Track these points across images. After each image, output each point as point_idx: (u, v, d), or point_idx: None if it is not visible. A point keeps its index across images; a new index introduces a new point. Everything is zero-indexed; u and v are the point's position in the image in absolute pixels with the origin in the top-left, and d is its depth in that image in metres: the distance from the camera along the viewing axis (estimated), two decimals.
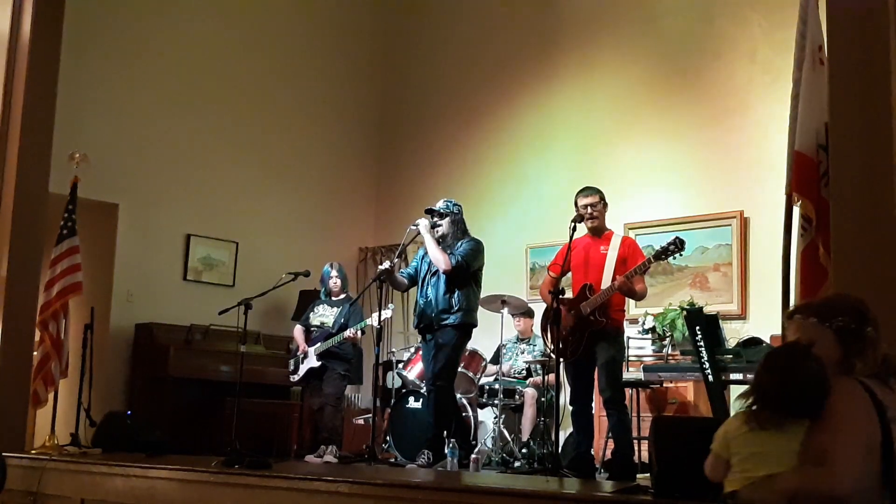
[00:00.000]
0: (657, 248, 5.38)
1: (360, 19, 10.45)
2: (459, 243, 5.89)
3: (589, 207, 5.46)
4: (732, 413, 2.71)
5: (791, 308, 2.70)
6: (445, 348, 5.81)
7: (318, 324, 6.77)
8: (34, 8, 6.48)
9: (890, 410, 2.38)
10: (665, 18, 8.24)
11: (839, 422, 2.40)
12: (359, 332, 6.51)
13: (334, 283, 6.83)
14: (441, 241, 5.95)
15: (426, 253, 5.99)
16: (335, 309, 6.77)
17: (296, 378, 6.80)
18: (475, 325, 5.96)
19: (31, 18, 6.47)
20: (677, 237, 5.26)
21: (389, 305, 6.19)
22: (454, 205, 6.03)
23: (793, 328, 2.62)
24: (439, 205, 6.03)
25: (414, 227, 5.96)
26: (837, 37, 3.57)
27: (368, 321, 6.39)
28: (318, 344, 6.61)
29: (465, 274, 5.83)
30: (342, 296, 6.86)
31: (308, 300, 7.83)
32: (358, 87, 10.33)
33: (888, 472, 2.35)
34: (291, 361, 6.89)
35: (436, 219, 5.97)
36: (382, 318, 6.16)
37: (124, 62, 8.46)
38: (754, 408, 2.55)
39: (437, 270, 5.87)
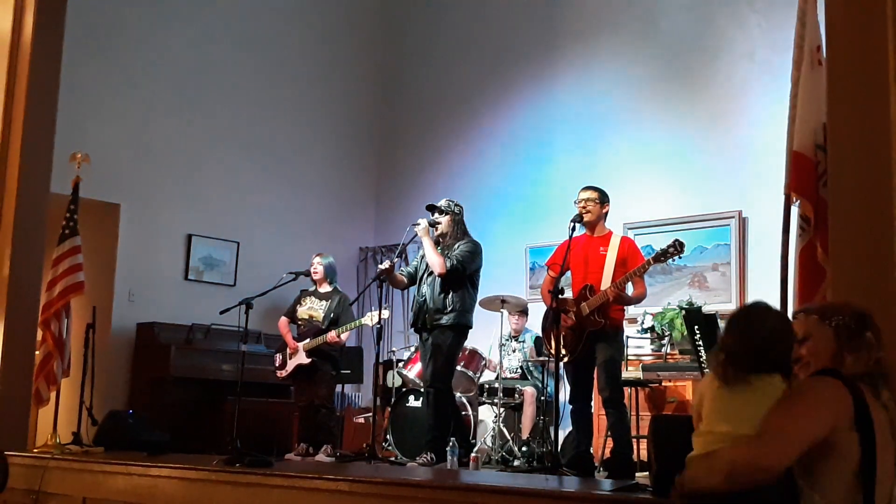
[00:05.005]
0: (657, 249, 5.40)
1: (359, 21, 10.47)
2: (457, 245, 5.91)
3: (583, 202, 5.49)
4: None
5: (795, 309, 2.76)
6: (441, 350, 5.82)
7: (307, 317, 6.69)
8: (36, 9, 6.49)
9: (872, 410, 2.40)
10: (665, 18, 8.26)
11: (794, 401, 2.45)
12: (344, 334, 6.49)
13: (314, 269, 6.73)
14: (440, 239, 5.97)
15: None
16: (323, 302, 6.67)
17: (283, 374, 6.71)
18: (470, 327, 5.97)
19: (32, 19, 6.48)
20: (677, 240, 5.27)
21: (384, 305, 6.18)
22: (455, 205, 6.06)
23: (796, 325, 2.67)
24: (441, 203, 6.05)
25: (413, 227, 5.98)
26: (836, 37, 3.58)
27: (364, 320, 6.39)
28: (308, 340, 6.55)
29: (461, 276, 5.85)
30: (329, 288, 6.75)
31: None
32: (358, 88, 10.35)
33: (867, 473, 2.37)
34: (278, 356, 6.77)
35: (436, 215, 5.99)
36: (381, 319, 6.15)
37: (126, 63, 8.49)
38: (721, 366, 2.62)
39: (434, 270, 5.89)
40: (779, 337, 2.59)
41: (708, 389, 2.67)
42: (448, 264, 5.80)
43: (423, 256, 6.09)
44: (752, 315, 2.67)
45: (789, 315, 3.47)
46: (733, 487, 2.39)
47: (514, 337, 7.61)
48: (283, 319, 6.87)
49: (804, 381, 2.54)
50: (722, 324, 5.68)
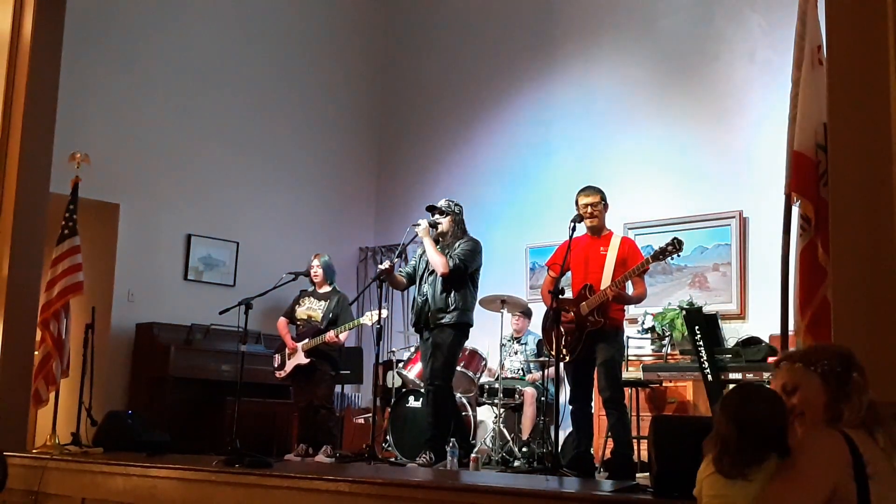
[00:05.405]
0: (656, 248, 5.39)
1: (359, 21, 10.46)
2: (457, 244, 5.91)
3: (589, 207, 5.47)
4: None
5: (778, 356, 2.69)
6: (442, 348, 5.82)
7: (305, 317, 6.68)
8: (35, 8, 6.49)
9: (870, 466, 2.32)
10: (665, 19, 8.25)
11: (794, 470, 2.37)
12: (343, 334, 6.48)
13: (315, 272, 6.73)
14: (440, 238, 5.97)
15: (424, 252, 6.01)
16: (322, 302, 6.66)
17: (282, 374, 6.69)
18: (471, 325, 5.96)
19: (32, 19, 6.48)
20: (675, 238, 5.27)
21: (384, 305, 6.16)
22: (455, 204, 6.06)
23: (779, 375, 2.60)
24: (441, 203, 6.06)
25: (414, 228, 5.98)
26: (836, 37, 3.57)
27: (362, 319, 6.38)
28: (307, 340, 6.53)
29: (463, 275, 5.85)
30: (328, 289, 6.74)
31: None
32: (358, 88, 10.35)
33: None
34: (276, 357, 6.76)
35: (436, 216, 5.99)
36: (381, 318, 6.14)
37: (125, 63, 8.48)
38: (719, 457, 2.53)
39: (435, 270, 5.88)
40: (769, 425, 2.50)
41: (703, 475, 2.60)
42: (451, 264, 5.80)
43: (421, 256, 6.09)
44: (742, 402, 2.57)
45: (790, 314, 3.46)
46: None
47: (515, 338, 7.60)
48: (282, 320, 6.86)
49: (801, 441, 2.45)
50: (723, 324, 5.72)
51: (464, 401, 6.95)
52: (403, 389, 7.16)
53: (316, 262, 6.76)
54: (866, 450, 2.35)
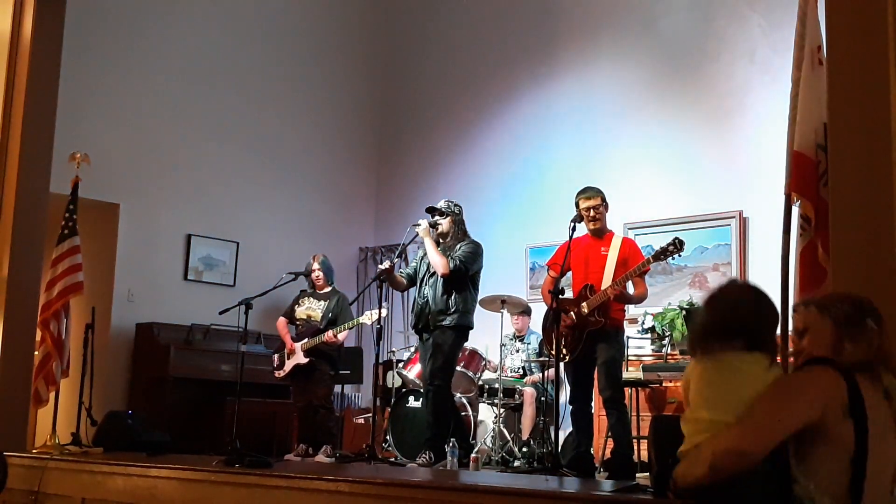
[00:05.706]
0: (657, 248, 5.39)
1: (360, 21, 10.47)
2: (459, 245, 5.91)
3: (591, 210, 5.46)
4: None
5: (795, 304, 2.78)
6: (442, 349, 5.82)
7: (305, 317, 6.69)
8: (35, 8, 6.49)
9: (869, 404, 2.39)
10: (664, 18, 8.26)
11: (779, 387, 2.47)
12: (341, 334, 6.49)
13: (316, 276, 6.74)
14: (441, 240, 5.97)
15: (425, 254, 6.01)
16: (322, 302, 6.68)
17: (281, 374, 6.69)
18: (471, 328, 5.97)
19: (32, 18, 6.48)
20: (676, 238, 5.27)
21: (384, 304, 6.16)
22: (455, 205, 6.06)
23: (795, 319, 2.69)
24: (441, 204, 6.05)
25: (414, 228, 5.98)
26: (836, 37, 3.57)
27: (362, 319, 6.38)
28: (306, 339, 6.54)
29: (463, 277, 5.85)
30: (328, 289, 6.76)
31: None
32: (358, 88, 10.35)
33: (859, 462, 2.36)
34: (276, 357, 6.77)
35: (437, 217, 5.99)
36: (380, 317, 6.14)
37: (125, 63, 8.49)
38: (691, 342, 2.74)
39: (436, 272, 5.88)
40: (741, 306, 2.61)
41: (692, 374, 2.69)
42: (451, 265, 5.80)
43: (422, 258, 6.09)
44: (717, 290, 2.72)
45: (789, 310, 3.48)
46: (718, 476, 2.41)
47: (518, 337, 7.60)
48: (282, 320, 6.86)
49: (795, 369, 2.55)
50: None
51: (464, 401, 6.95)
52: (403, 389, 7.16)
53: (316, 265, 6.76)
54: (866, 388, 2.41)
